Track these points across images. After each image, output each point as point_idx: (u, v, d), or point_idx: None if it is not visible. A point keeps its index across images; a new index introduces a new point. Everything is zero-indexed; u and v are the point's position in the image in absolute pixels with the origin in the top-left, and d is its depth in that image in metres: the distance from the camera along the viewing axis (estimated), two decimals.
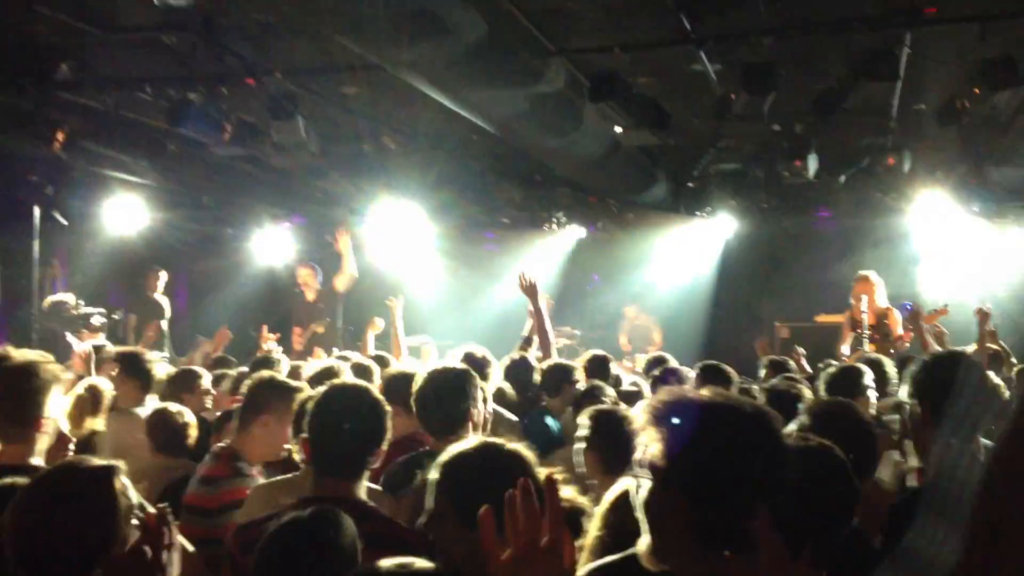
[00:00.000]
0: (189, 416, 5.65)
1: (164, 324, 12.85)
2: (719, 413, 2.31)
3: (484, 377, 7.04)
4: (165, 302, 13.41)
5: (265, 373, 5.21)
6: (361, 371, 6.25)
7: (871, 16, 7.42)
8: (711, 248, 15.01)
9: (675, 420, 2.29)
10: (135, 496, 2.71)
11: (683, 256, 15.19)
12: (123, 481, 2.69)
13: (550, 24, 7.93)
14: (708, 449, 2.24)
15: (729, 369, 6.42)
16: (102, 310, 11.29)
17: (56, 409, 3.98)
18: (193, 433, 5.60)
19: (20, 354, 4.01)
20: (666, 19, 7.59)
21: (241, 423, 4.70)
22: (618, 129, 10.00)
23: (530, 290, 7.94)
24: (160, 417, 5.63)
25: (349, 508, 3.08)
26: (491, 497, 2.09)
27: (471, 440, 2.90)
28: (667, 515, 2.25)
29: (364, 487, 3.63)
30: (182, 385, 6.88)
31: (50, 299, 11.46)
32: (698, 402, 2.34)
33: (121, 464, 2.74)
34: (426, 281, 15.09)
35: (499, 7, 7.32)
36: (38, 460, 3.79)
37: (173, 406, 5.77)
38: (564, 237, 15.73)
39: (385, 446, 3.67)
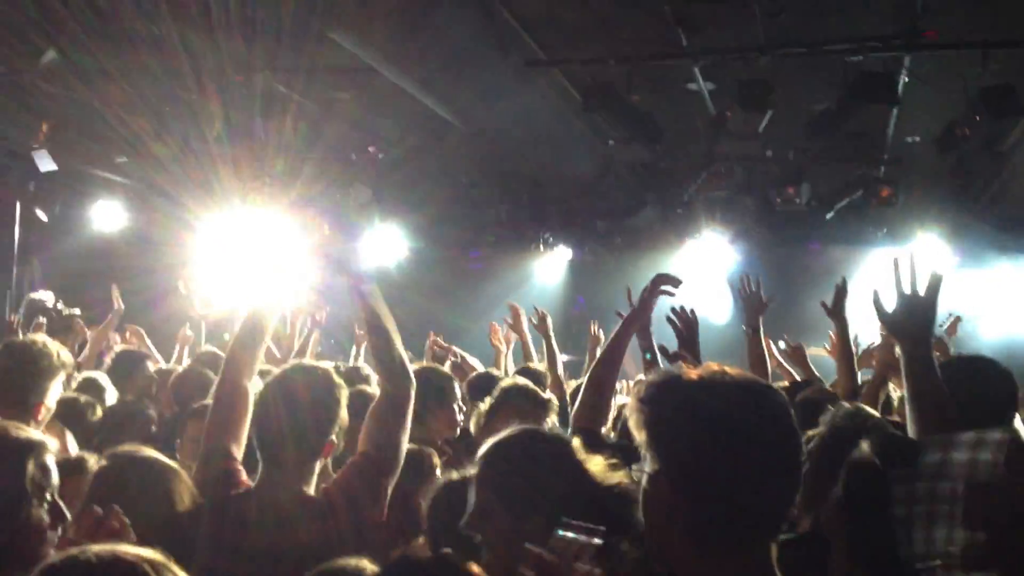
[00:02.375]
0: None
1: None
2: (714, 389, 1.90)
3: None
4: None
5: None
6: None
7: (871, 38, 7.32)
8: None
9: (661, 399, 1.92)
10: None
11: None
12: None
13: (543, 33, 7.80)
14: (701, 432, 1.85)
15: None
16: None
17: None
18: None
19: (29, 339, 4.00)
20: (662, 33, 7.48)
21: None
22: (611, 142, 9.85)
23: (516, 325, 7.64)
24: None
25: None
26: (539, 488, 1.87)
27: (509, 430, 2.58)
28: (661, 514, 1.88)
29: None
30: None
31: (28, 297, 11.21)
32: (689, 379, 1.94)
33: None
34: (408, 297, 14.86)
35: (491, 10, 7.19)
36: None
37: None
38: (552, 259, 15.51)
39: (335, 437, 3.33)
